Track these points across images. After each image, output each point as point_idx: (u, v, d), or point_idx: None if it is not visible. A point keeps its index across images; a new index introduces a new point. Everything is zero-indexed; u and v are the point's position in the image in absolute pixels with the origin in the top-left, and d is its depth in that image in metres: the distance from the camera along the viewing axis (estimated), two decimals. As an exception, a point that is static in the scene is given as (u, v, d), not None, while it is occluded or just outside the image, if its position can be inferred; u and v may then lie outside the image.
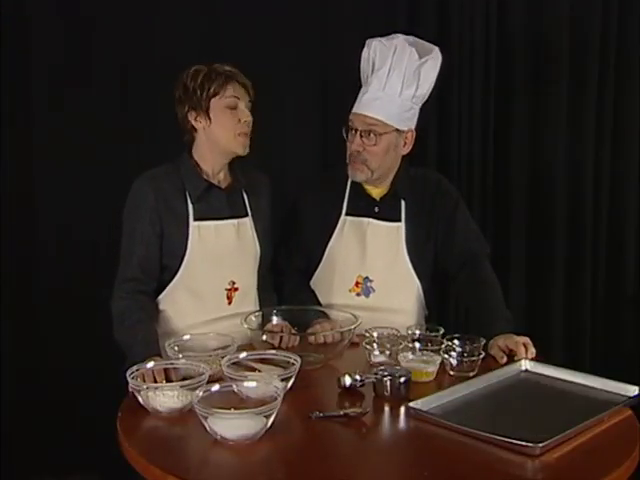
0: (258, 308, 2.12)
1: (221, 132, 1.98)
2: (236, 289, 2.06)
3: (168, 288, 2.00)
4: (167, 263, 2.01)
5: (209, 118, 1.97)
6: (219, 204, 2.04)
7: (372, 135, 2.09)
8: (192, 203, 2.00)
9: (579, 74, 3.02)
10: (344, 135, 2.15)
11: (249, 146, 2.02)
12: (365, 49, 2.15)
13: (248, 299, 2.12)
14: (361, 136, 2.10)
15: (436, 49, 2.13)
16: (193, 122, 1.99)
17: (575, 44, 3.01)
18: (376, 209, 2.21)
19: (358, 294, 2.20)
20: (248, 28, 2.81)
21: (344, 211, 2.23)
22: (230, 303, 2.06)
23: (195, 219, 2.00)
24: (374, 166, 2.14)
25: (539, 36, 3.01)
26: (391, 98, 2.09)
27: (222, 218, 2.04)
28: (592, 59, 3.01)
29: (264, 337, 1.91)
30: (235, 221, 2.07)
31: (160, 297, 2.02)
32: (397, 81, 2.08)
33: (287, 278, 2.26)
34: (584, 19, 3.00)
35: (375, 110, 2.09)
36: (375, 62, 2.11)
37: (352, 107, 2.15)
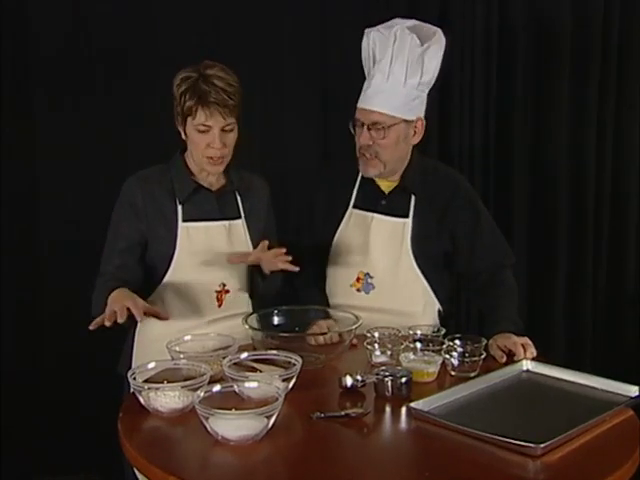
0: (250, 310, 2.10)
1: (193, 150, 1.98)
2: (227, 291, 2.04)
3: (157, 290, 1.98)
4: (155, 264, 2.00)
5: (185, 133, 1.96)
6: (209, 206, 2.02)
7: (380, 128, 2.07)
8: (180, 204, 1.99)
9: (582, 63, 3.01)
10: (351, 130, 2.13)
11: (228, 162, 1.99)
12: (365, 39, 2.12)
13: (239, 301, 2.11)
14: (369, 129, 2.08)
15: (439, 32, 2.08)
16: (178, 127, 1.98)
17: (577, 33, 3.00)
18: (383, 202, 2.18)
19: (358, 290, 2.18)
20: (249, 26, 2.80)
21: (352, 203, 2.21)
22: (220, 305, 2.05)
23: (184, 220, 1.99)
24: (385, 158, 2.11)
25: (541, 25, 3.00)
26: (395, 89, 2.06)
27: (212, 220, 2.03)
28: (594, 48, 3.00)
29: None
30: (226, 223, 2.05)
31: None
32: (400, 71, 2.05)
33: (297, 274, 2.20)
34: (587, 8, 2.99)
35: (380, 104, 2.06)
36: (375, 53, 2.08)
37: (357, 101, 2.13)
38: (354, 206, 2.21)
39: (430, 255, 2.18)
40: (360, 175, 2.20)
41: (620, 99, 3.06)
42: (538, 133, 3.08)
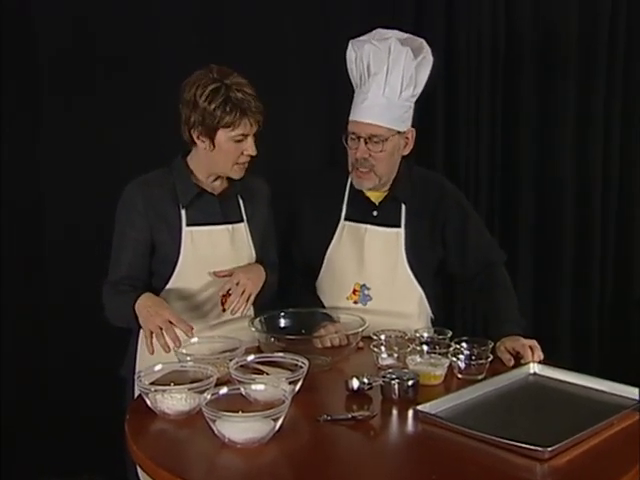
0: (252, 314, 2.08)
1: (221, 160, 1.95)
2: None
3: (161, 295, 1.97)
4: (159, 269, 2.00)
5: (213, 144, 1.92)
6: (212, 210, 2.02)
7: (377, 142, 2.06)
8: (183, 208, 1.99)
9: (587, 74, 3.02)
10: (344, 142, 2.11)
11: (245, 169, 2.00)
12: (354, 50, 2.09)
13: None
14: (366, 142, 2.07)
15: (424, 43, 2.09)
16: (195, 138, 1.94)
17: (583, 44, 3.00)
18: (375, 213, 2.18)
19: (355, 302, 2.17)
20: (254, 28, 2.81)
21: (343, 215, 2.20)
22: (224, 310, 2.04)
23: (187, 225, 1.98)
24: (381, 172, 2.11)
25: (547, 36, 3.00)
26: (391, 102, 2.05)
27: (215, 224, 2.02)
28: (600, 59, 3.00)
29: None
30: (229, 226, 2.04)
31: None
32: (396, 84, 2.04)
33: (291, 282, 2.22)
34: (592, 19, 2.99)
35: (377, 117, 2.05)
36: (370, 66, 2.06)
37: (350, 113, 2.11)
38: (346, 218, 2.20)
39: (424, 263, 2.19)
40: (348, 186, 2.20)
41: (626, 108, 3.07)
42: (544, 136, 3.08)
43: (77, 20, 2.72)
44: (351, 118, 2.10)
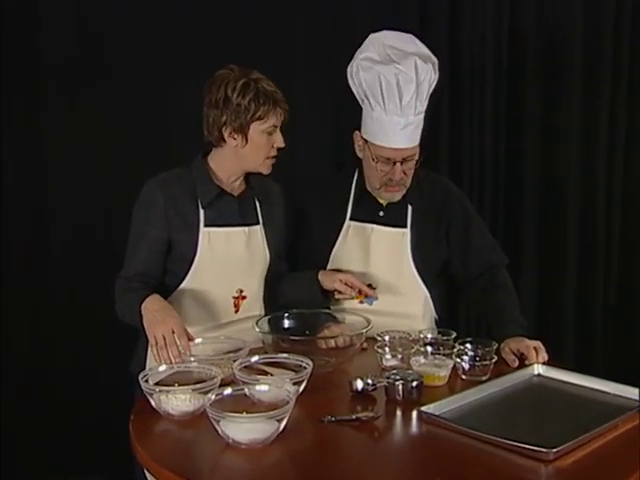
0: (263, 314, 2.10)
1: (253, 154, 1.98)
2: (244, 297, 2.05)
3: (174, 293, 1.98)
4: (175, 267, 2.00)
5: (246, 139, 1.95)
6: (230, 211, 2.03)
7: (410, 160, 2.10)
8: (202, 208, 2.00)
9: (592, 78, 3.01)
10: (371, 161, 2.10)
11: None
12: (379, 74, 2.02)
13: (255, 307, 2.11)
14: (401, 163, 2.09)
15: (430, 52, 2.09)
16: (226, 136, 1.95)
17: (588, 50, 2.99)
18: (381, 214, 2.20)
19: (361, 302, 2.16)
20: (256, 29, 2.80)
21: (348, 215, 2.22)
22: (237, 311, 2.05)
23: (205, 225, 1.99)
24: (409, 181, 2.15)
25: (551, 41, 3.00)
26: (418, 119, 2.08)
27: (233, 225, 2.03)
28: (604, 64, 2.99)
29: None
30: (246, 228, 2.06)
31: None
32: (422, 103, 2.07)
33: None
34: (597, 26, 2.99)
35: (413, 140, 2.08)
36: (402, 92, 2.03)
37: (369, 130, 2.10)
38: (351, 218, 2.22)
39: (429, 263, 2.20)
40: (354, 187, 2.23)
41: (630, 109, 3.06)
42: (548, 138, 3.07)
43: (80, 19, 2.72)
44: (385, 144, 2.08)
